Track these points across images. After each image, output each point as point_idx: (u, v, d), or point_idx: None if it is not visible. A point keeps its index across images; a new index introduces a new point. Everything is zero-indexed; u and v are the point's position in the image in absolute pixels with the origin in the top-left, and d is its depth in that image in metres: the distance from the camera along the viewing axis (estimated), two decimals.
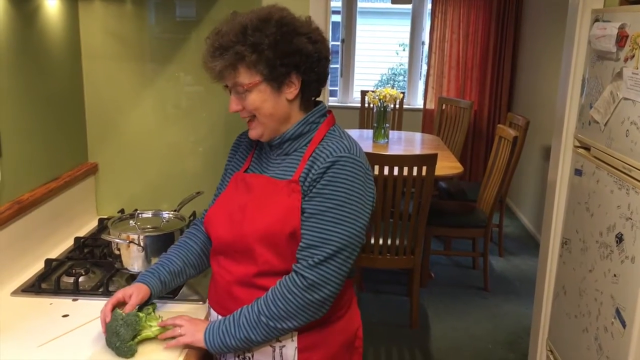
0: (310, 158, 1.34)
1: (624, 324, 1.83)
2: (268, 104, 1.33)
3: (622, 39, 1.93)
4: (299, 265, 1.29)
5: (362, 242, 1.32)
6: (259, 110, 1.34)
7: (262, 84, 1.31)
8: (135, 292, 1.40)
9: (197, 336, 1.34)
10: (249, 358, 1.38)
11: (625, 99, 1.89)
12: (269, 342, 1.35)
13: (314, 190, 1.30)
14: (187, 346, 1.36)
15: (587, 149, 2.22)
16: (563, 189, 2.45)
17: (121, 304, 1.40)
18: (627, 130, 1.87)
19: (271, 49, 1.29)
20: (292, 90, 1.34)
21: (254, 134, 1.39)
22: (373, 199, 1.35)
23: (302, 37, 1.32)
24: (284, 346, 1.36)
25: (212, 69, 1.33)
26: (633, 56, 1.86)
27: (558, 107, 2.49)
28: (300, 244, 1.30)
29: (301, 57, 1.32)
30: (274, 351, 1.36)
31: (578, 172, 2.30)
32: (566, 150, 2.42)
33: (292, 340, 1.36)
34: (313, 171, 1.31)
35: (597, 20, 2.16)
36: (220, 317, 1.39)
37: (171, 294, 1.60)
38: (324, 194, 1.29)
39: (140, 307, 1.40)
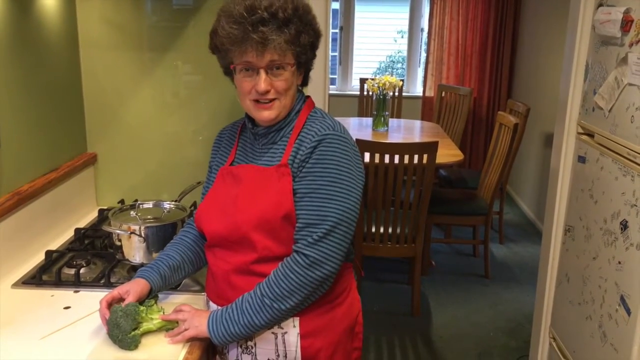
0: (297, 141, 1.34)
1: (628, 312, 1.83)
2: (294, 87, 1.36)
3: (627, 23, 1.90)
4: (298, 244, 1.29)
5: (357, 217, 1.32)
6: (288, 91, 1.34)
7: (294, 66, 1.34)
8: (132, 288, 1.39)
9: (200, 328, 1.33)
10: (252, 347, 1.38)
11: (630, 84, 1.86)
12: (271, 329, 1.35)
13: (303, 170, 1.31)
14: (192, 338, 1.35)
15: (591, 135, 2.20)
16: (566, 176, 2.43)
17: (118, 301, 1.38)
18: (632, 116, 1.85)
19: (312, 34, 1.33)
20: (300, 78, 1.39)
21: (272, 114, 1.34)
22: (362, 173, 1.35)
23: (316, 25, 1.36)
24: (286, 333, 1.36)
25: (264, 40, 1.25)
26: (638, 41, 1.84)
27: (561, 94, 2.47)
28: (297, 224, 1.30)
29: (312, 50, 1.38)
30: (276, 338, 1.36)
31: (581, 159, 2.28)
32: (569, 136, 2.40)
33: (294, 327, 1.35)
34: (301, 152, 1.32)
35: (601, 4, 2.13)
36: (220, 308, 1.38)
37: None
38: (314, 172, 1.29)
39: (142, 301, 1.39)
